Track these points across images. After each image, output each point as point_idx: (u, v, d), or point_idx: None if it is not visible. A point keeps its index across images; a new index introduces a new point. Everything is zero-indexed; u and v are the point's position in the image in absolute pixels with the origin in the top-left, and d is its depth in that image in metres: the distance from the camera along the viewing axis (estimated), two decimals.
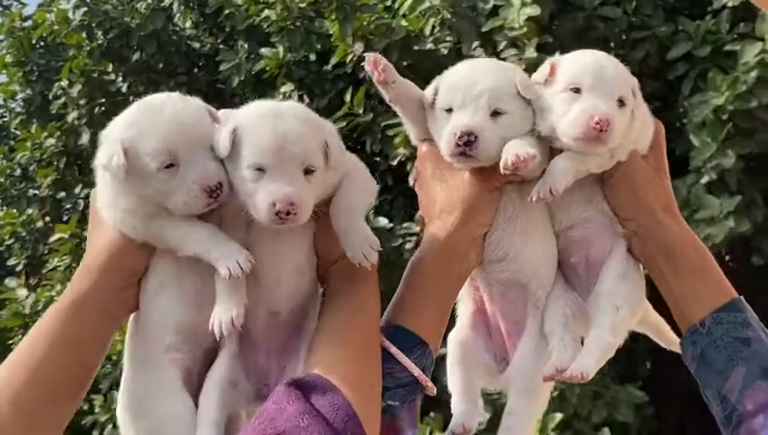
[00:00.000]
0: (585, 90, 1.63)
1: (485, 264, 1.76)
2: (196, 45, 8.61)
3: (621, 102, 1.64)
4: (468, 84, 1.66)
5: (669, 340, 1.88)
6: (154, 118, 1.51)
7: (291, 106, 1.57)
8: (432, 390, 1.63)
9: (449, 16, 6.23)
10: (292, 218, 1.47)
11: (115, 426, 6.46)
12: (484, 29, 6.01)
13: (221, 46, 8.44)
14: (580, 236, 1.75)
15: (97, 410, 6.54)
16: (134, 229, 1.56)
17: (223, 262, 1.49)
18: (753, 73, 5.25)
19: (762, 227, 5.43)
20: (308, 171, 1.51)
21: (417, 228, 5.95)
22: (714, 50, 5.70)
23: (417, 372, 1.61)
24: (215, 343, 1.59)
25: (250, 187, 1.50)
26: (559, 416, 5.37)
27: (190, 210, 1.52)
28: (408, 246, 5.94)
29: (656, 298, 1.77)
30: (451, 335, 1.82)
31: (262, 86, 7.36)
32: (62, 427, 1.53)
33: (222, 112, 1.62)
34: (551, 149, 1.69)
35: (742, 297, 1.65)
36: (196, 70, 8.47)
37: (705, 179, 5.32)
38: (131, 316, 1.63)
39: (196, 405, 1.56)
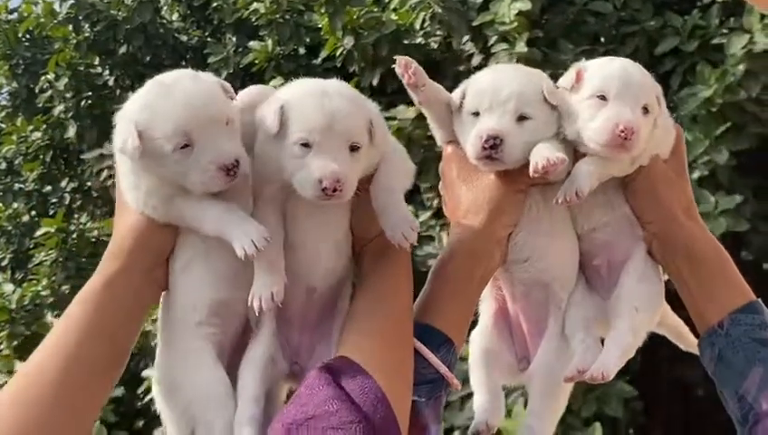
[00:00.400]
0: (611, 97, 1.67)
1: (509, 264, 1.80)
2: (184, 38, 8.58)
3: (646, 110, 1.67)
4: (495, 89, 1.70)
5: (689, 342, 1.92)
6: (166, 98, 1.52)
7: (336, 84, 1.60)
8: (457, 386, 1.67)
9: (440, 10, 6.24)
10: (338, 195, 1.50)
11: (101, 422, 6.47)
12: (474, 23, 6.01)
13: (209, 39, 8.40)
14: (602, 240, 1.79)
15: None
16: (155, 210, 1.58)
17: (238, 241, 1.50)
18: (742, 66, 5.26)
19: (752, 223, 5.45)
20: (353, 148, 1.54)
21: None
22: (701, 44, 5.71)
23: (443, 368, 1.65)
24: (244, 316, 1.63)
25: (296, 163, 1.52)
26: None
27: (208, 189, 1.53)
28: None
29: (674, 300, 1.80)
30: (474, 334, 1.86)
31: (250, 80, 7.34)
32: (102, 405, 1.58)
33: (257, 88, 1.67)
34: (575, 152, 1.72)
35: (759, 300, 1.69)
36: (183, 63, 8.39)
37: (696, 175, 5.34)
38: (162, 295, 1.66)
39: (230, 378, 1.59)
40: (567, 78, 1.75)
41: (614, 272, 1.79)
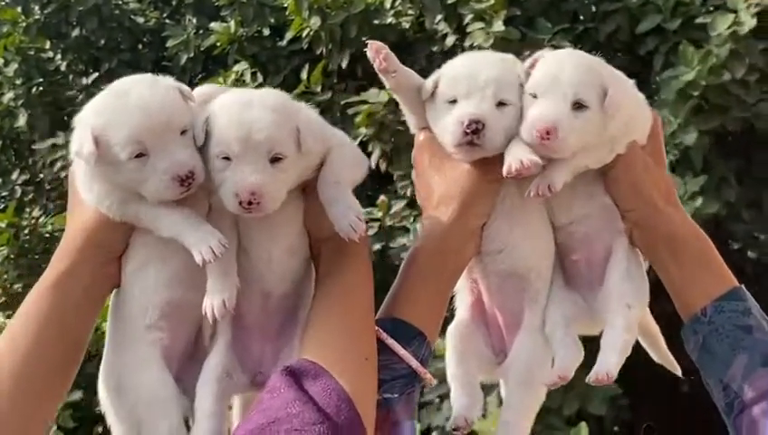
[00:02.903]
0: (540, 95, 1.70)
1: (483, 255, 1.84)
2: (141, 20, 8.50)
3: (579, 105, 1.68)
4: (472, 74, 1.73)
5: (661, 350, 1.99)
6: (122, 105, 1.56)
7: (263, 94, 1.64)
8: (431, 381, 1.70)
9: None
10: (256, 208, 1.54)
11: (58, 427, 6.43)
12: (448, 1, 5.99)
13: (167, 21, 8.35)
14: (581, 233, 1.82)
15: None
16: (110, 210, 1.63)
17: (196, 247, 1.55)
18: (726, 46, 5.28)
19: (734, 208, 5.50)
20: (276, 159, 1.57)
21: (379, 214, 5.94)
22: (684, 22, 5.72)
23: (414, 363, 1.67)
24: (198, 319, 1.68)
25: (218, 176, 1.57)
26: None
27: (163, 198, 1.57)
28: (371, 232, 5.93)
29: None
30: (450, 328, 1.89)
31: (212, 63, 7.29)
32: (60, 400, 1.66)
33: (208, 87, 1.72)
34: None
35: (743, 286, 1.73)
36: (140, 46, 8.37)
37: (668, 158, 5.34)
38: (112, 295, 1.71)
39: (180, 382, 1.66)
40: (526, 63, 1.77)
41: (594, 267, 1.82)
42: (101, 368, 1.71)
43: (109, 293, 1.70)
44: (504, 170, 1.67)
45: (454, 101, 1.73)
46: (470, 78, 1.72)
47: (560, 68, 1.70)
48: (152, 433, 1.61)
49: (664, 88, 5.40)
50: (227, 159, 1.56)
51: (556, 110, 1.66)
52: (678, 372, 1.98)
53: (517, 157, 1.66)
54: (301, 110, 1.67)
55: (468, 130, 1.68)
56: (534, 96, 1.70)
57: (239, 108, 1.58)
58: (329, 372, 1.49)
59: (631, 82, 1.80)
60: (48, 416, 1.61)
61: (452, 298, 1.87)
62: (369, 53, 1.74)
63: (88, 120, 1.57)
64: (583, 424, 5.07)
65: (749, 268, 5.68)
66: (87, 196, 1.65)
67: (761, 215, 5.69)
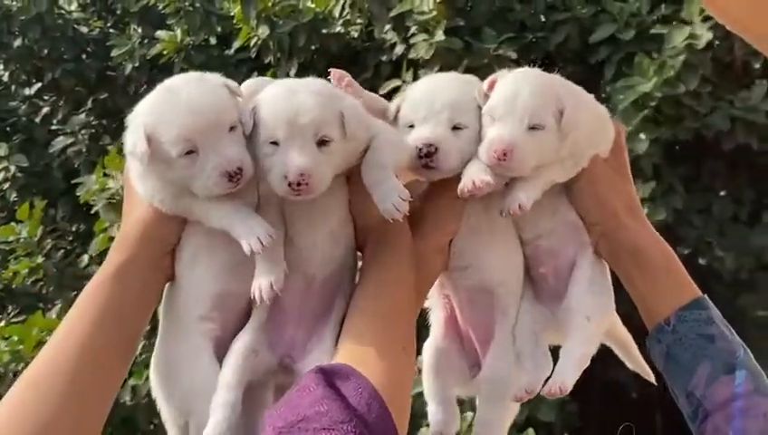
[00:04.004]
0: (497, 118, 1.74)
1: (452, 271, 1.88)
2: (85, 30, 8.41)
3: (535, 127, 1.72)
4: (430, 99, 1.78)
5: (634, 357, 2.02)
6: (172, 104, 1.62)
7: (308, 81, 1.70)
8: None
9: None
10: (305, 189, 1.60)
11: None
12: (393, 13, 6.02)
13: (112, 30, 8.28)
14: (547, 247, 1.86)
15: None
16: (163, 204, 1.69)
17: (244, 238, 1.61)
18: (681, 58, 5.35)
19: (682, 215, 5.58)
20: (322, 142, 1.62)
21: None
22: (638, 33, 5.78)
23: None
24: (247, 310, 1.74)
25: (267, 162, 1.63)
26: (470, 415, 5.41)
27: (212, 194, 1.63)
28: None
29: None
30: (425, 345, 1.93)
31: (158, 73, 7.24)
32: (115, 391, 1.68)
33: (250, 82, 1.77)
34: None
35: (705, 296, 1.78)
36: (84, 56, 8.27)
37: None
38: (166, 287, 1.77)
39: None
40: (485, 83, 1.80)
41: (561, 279, 1.86)
42: (153, 357, 1.78)
43: (163, 285, 1.76)
44: (459, 190, 1.71)
45: (413, 126, 1.79)
46: (427, 103, 1.78)
47: (515, 91, 1.74)
48: (201, 421, 1.65)
49: (616, 97, 5.45)
50: (275, 143, 1.61)
51: (512, 131, 1.71)
52: (652, 379, 2.02)
53: (470, 177, 1.71)
54: (345, 97, 1.71)
55: (422, 154, 1.73)
56: (493, 118, 1.74)
57: (285, 94, 1.64)
58: (360, 372, 1.50)
59: (591, 96, 1.84)
60: (103, 407, 1.64)
61: (425, 313, 1.93)
62: (333, 81, 1.79)
63: (140, 119, 1.63)
64: (530, 430, 5.11)
65: (700, 274, 5.78)
66: (141, 191, 1.71)
67: (711, 220, 5.78)
